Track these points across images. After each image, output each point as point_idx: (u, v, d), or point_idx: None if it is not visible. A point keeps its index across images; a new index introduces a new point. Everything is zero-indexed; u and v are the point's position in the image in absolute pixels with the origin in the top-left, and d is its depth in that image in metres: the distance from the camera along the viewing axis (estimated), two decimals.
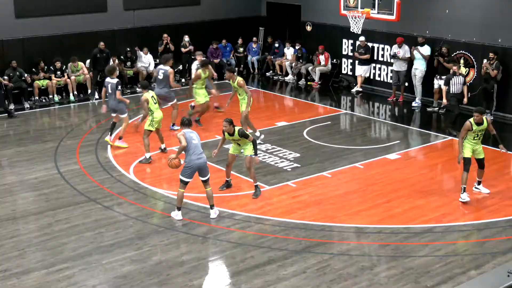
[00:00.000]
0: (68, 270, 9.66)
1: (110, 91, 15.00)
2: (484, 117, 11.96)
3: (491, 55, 16.89)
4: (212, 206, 11.49)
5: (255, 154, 12.16)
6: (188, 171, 11.19)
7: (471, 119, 11.90)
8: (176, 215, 11.44)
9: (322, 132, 16.43)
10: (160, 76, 16.19)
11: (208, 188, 11.43)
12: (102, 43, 19.53)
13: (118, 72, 16.07)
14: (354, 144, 15.54)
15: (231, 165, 12.70)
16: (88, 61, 19.96)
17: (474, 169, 12.35)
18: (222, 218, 11.46)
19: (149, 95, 14.15)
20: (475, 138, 12.00)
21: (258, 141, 15.16)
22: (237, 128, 12.08)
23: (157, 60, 21.52)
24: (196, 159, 11.13)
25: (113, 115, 15.35)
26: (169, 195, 12.44)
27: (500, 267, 9.51)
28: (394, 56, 19.23)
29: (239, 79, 15.26)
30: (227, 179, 12.84)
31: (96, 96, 19.46)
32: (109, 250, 10.29)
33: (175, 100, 16.52)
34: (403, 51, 19.05)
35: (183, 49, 22.00)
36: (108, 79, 15.11)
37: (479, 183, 12.55)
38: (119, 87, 14.93)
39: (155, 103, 14.20)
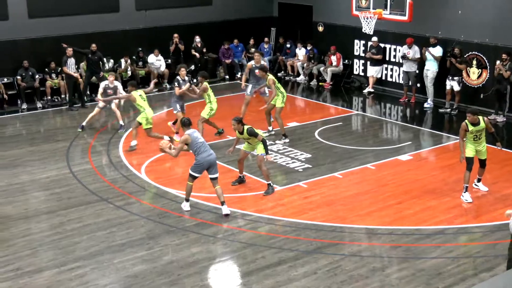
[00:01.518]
0: (79, 269, 9.70)
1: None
2: (480, 118, 11.95)
3: (504, 56, 16.79)
4: (223, 203, 11.55)
5: (266, 153, 12.20)
6: (199, 168, 11.46)
7: (466, 120, 11.93)
8: (184, 205, 11.77)
9: (334, 133, 16.40)
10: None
11: (217, 186, 11.56)
12: (94, 45, 19.02)
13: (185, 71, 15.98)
14: (365, 145, 15.50)
15: (242, 161, 12.85)
16: (82, 64, 19.73)
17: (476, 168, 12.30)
18: (233, 218, 11.46)
19: (137, 93, 14.53)
20: (475, 139, 11.98)
21: (283, 141, 15.58)
22: (246, 127, 12.22)
23: (169, 61, 21.61)
24: (207, 156, 11.39)
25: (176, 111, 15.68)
26: (180, 194, 12.46)
27: None
28: (403, 57, 19.17)
29: (270, 77, 15.51)
30: (240, 175, 12.94)
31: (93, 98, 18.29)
32: (120, 249, 10.32)
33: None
34: (413, 51, 18.98)
35: (193, 51, 22.01)
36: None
37: (478, 180, 12.59)
38: (176, 84, 15.43)
39: (144, 101, 14.58)
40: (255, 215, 11.57)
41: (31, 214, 11.73)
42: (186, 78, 15.94)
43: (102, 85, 17.06)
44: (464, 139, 12.03)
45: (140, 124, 14.79)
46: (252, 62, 16.86)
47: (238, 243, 10.54)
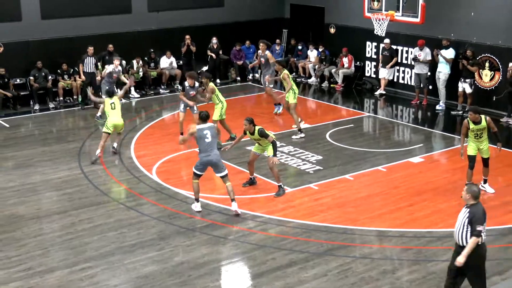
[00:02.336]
0: (90, 269, 9.74)
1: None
2: (483, 117, 12.08)
3: None
4: (233, 200, 11.61)
5: (274, 155, 12.23)
6: (199, 166, 11.60)
7: (468, 118, 12.15)
8: (195, 206, 11.80)
9: (345, 135, 16.37)
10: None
11: (227, 183, 11.61)
12: (111, 46, 19.81)
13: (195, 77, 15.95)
14: (377, 147, 15.46)
15: (252, 163, 12.85)
16: (99, 63, 19.84)
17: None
18: (243, 219, 11.47)
19: (108, 101, 14.63)
20: (476, 137, 12.13)
21: (298, 137, 15.85)
22: (257, 128, 12.19)
23: (180, 62, 21.66)
24: (205, 156, 11.47)
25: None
26: (190, 196, 12.47)
27: None
28: (414, 59, 19.11)
29: (285, 72, 16.27)
30: (250, 177, 12.96)
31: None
32: (131, 250, 10.35)
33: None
34: (424, 54, 18.92)
35: (209, 52, 22.04)
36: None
37: (484, 181, 12.61)
38: (181, 88, 15.74)
39: (113, 109, 14.58)
40: (265, 217, 11.57)
41: (43, 214, 11.78)
42: (197, 84, 15.78)
43: (110, 68, 17.90)
44: (466, 138, 12.24)
45: (108, 134, 14.63)
46: (259, 51, 17.72)
47: (249, 245, 10.54)
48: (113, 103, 14.65)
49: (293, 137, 15.90)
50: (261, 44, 18.34)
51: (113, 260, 10.04)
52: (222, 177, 11.62)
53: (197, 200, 11.78)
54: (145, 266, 9.85)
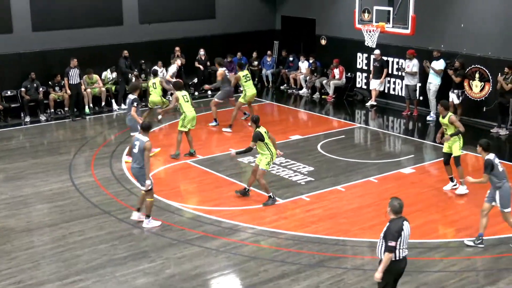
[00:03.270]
0: (81, 282, 9.69)
1: (126, 106, 14.89)
2: (448, 114, 12.85)
3: (506, 69, 16.81)
4: (139, 209, 11.72)
5: (237, 153, 12.88)
6: None
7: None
8: (140, 219, 11.82)
9: (336, 146, 16.40)
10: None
11: (146, 198, 11.57)
12: (126, 51, 20.32)
13: (140, 90, 16.16)
14: (368, 158, 15.49)
15: (254, 173, 12.74)
16: (84, 76, 19.74)
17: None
18: (235, 231, 11.45)
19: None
20: (446, 131, 13.04)
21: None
22: (257, 130, 12.40)
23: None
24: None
25: (132, 134, 14.53)
26: (183, 208, 12.46)
27: None
28: (399, 69, 19.20)
29: (238, 74, 18.01)
30: (246, 187, 12.95)
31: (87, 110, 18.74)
32: (122, 262, 10.31)
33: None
34: (412, 65, 19.02)
35: (197, 63, 22.11)
36: (129, 95, 14.88)
37: (451, 179, 13.28)
38: (135, 104, 14.41)
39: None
40: (257, 228, 11.56)
41: (34, 227, 11.73)
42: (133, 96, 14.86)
43: (174, 69, 20.10)
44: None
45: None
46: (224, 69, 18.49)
47: (241, 256, 10.52)
48: (185, 95, 15.20)
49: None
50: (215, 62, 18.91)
51: (104, 272, 9.99)
52: (144, 190, 11.59)
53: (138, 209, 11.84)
54: (137, 278, 9.81)
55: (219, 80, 18.02)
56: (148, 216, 11.63)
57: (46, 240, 11.18)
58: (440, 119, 13.07)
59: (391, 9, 16.95)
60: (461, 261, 10.34)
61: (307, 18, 23.38)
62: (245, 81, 17.98)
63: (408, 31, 16.74)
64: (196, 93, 22.16)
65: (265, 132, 12.45)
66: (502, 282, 9.60)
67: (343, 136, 17.36)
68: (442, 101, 13.40)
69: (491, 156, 10.61)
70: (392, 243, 7.78)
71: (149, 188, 11.45)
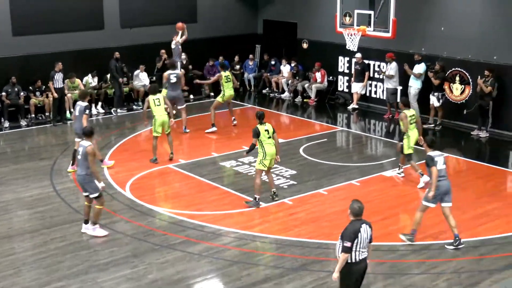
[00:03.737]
0: None
1: (77, 113, 14.24)
2: (404, 112, 13.72)
3: (486, 72, 16.95)
4: (86, 221, 11.51)
5: (246, 151, 13.07)
6: None
7: None
8: (87, 228, 11.56)
9: (319, 149, 16.44)
10: (173, 80, 17.55)
11: (96, 205, 11.38)
12: (117, 53, 20.34)
13: (89, 97, 16.45)
14: (350, 161, 15.54)
15: (267, 173, 12.87)
16: (66, 80, 19.61)
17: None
18: (218, 236, 11.43)
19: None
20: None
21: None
22: (258, 125, 12.52)
23: (153, 78, 21.57)
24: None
25: (77, 140, 13.70)
26: (165, 212, 12.42)
27: (497, 284, 9.54)
28: (379, 72, 19.33)
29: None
30: (273, 190, 13.04)
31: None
32: (104, 268, 10.25)
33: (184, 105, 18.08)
34: (389, 68, 19.13)
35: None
36: (79, 102, 14.38)
37: (399, 167, 14.45)
38: (87, 111, 14.11)
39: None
40: (240, 232, 11.54)
41: (15, 233, 11.62)
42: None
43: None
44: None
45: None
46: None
47: (224, 261, 10.50)
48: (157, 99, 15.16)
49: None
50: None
51: (86, 278, 9.92)
52: (87, 196, 11.42)
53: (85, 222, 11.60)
54: (119, 284, 9.75)
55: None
56: (95, 223, 11.47)
57: (27, 246, 11.08)
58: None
59: (372, 12, 17.09)
60: (443, 263, 10.40)
61: (289, 22, 23.43)
62: (226, 82, 18.04)
63: (389, 35, 16.88)
64: (192, 96, 22.09)
65: (266, 130, 12.44)
66: (484, 283, 9.67)
67: (325, 140, 17.40)
68: (402, 97, 14.11)
69: (434, 153, 10.84)
70: (348, 244, 7.87)
71: (101, 192, 11.29)
